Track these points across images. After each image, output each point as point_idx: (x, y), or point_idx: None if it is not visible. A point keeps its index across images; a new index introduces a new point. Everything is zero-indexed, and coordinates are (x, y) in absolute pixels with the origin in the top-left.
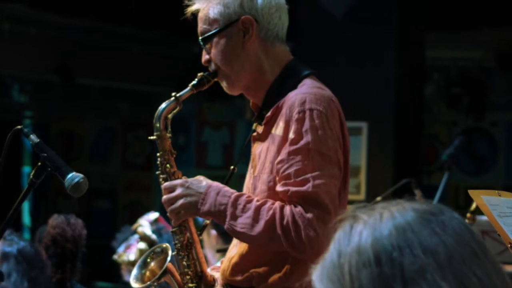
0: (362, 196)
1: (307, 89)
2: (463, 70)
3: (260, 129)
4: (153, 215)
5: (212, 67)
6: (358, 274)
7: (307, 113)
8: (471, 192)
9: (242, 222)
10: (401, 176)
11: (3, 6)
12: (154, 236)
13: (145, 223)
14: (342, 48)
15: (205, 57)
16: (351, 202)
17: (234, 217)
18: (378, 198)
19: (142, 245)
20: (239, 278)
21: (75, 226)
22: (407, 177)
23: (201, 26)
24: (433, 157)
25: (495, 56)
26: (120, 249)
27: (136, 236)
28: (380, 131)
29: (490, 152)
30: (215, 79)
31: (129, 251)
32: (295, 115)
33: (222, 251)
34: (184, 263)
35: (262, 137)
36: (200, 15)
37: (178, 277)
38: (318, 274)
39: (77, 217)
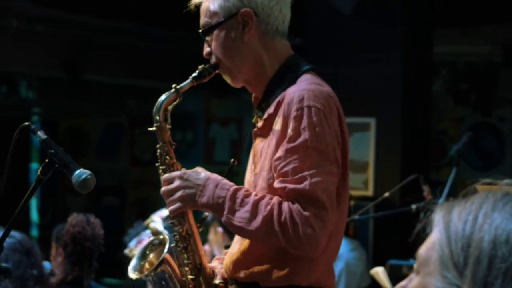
0: (370, 192)
1: (306, 86)
2: (471, 65)
3: (260, 123)
4: (166, 211)
5: (213, 60)
6: (493, 251)
7: (305, 110)
8: (480, 188)
9: (240, 216)
10: (409, 171)
11: (11, 4)
12: (166, 232)
13: (157, 219)
14: (349, 44)
15: (206, 49)
16: (359, 198)
17: (232, 211)
18: (386, 194)
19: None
20: (242, 274)
21: (94, 225)
22: (415, 172)
23: (202, 19)
24: (441, 153)
25: (502, 51)
26: (132, 244)
27: (148, 232)
28: (388, 127)
29: (498, 148)
30: (216, 72)
31: (140, 246)
32: (293, 112)
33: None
34: (183, 255)
35: (263, 133)
36: (202, 8)
37: (176, 267)
38: (444, 218)
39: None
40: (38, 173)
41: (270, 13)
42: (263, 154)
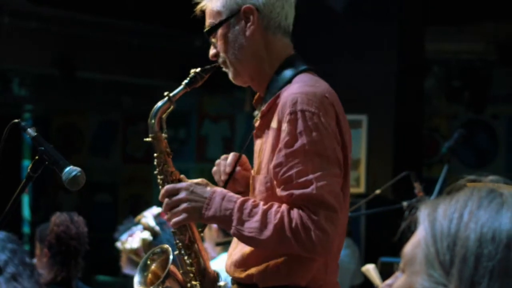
0: (361, 189)
1: (299, 89)
2: (464, 63)
3: (257, 123)
4: (156, 209)
5: (220, 60)
6: (479, 249)
7: (299, 114)
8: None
9: (250, 226)
10: (401, 169)
11: (4, 0)
12: (157, 228)
13: (148, 215)
14: (342, 41)
15: (212, 51)
16: (351, 195)
17: (241, 222)
18: (378, 191)
19: (146, 234)
20: (241, 275)
21: (78, 223)
22: (407, 170)
23: (207, 21)
24: (434, 150)
25: (496, 48)
26: (123, 237)
27: (139, 227)
28: (380, 124)
29: (490, 145)
30: (209, 75)
31: (132, 239)
32: (286, 116)
33: (222, 244)
34: (187, 261)
35: (260, 134)
36: (207, 10)
37: (181, 278)
38: (429, 216)
39: (78, 211)
40: (28, 170)
41: (272, 9)
42: (260, 156)
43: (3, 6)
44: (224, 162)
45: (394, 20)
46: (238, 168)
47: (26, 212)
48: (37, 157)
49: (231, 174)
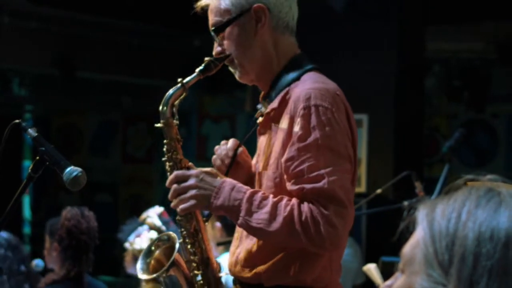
0: (362, 188)
1: (311, 85)
2: (464, 62)
3: (260, 119)
4: (159, 209)
5: (227, 58)
6: (477, 248)
7: (313, 109)
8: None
9: (259, 217)
10: (401, 168)
11: (4, 0)
12: (164, 228)
13: (153, 215)
14: (342, 41)
15: (217, 49)
16: None
17: (250, 213)
18: (379, 191)
19: (153, 234)
20: (247, 274)
21: (89, 218)
22: (407, 169)
23: (212, 19)
24: (434, 150)
25: (496, 48)
26: (131, 238)
27: (145, 227)
28: (380, 124)
29: (490, 144)
30: (222, 64)
31: (140, 240)
32: (300, 111)
33: (223, 244)
34: (190, 250)
35: (265, 129)
36: (211, 7)
37: (185, 267)
38: (427, 216)
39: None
40: (29, 170)
41: (281, 8)
42: (266, 152)
43: (3, 6)
44: (224, 147)
45: (394, 20)
46: (240, 149)
47: (27, 212)
48: (38, 158)
49: (233, 159)
